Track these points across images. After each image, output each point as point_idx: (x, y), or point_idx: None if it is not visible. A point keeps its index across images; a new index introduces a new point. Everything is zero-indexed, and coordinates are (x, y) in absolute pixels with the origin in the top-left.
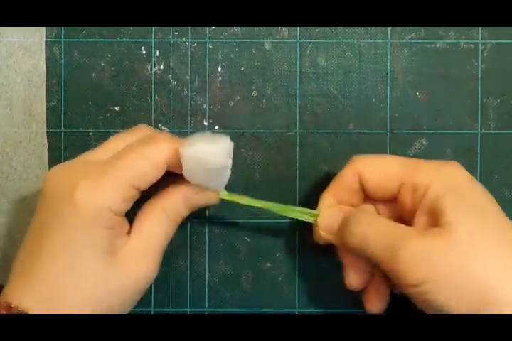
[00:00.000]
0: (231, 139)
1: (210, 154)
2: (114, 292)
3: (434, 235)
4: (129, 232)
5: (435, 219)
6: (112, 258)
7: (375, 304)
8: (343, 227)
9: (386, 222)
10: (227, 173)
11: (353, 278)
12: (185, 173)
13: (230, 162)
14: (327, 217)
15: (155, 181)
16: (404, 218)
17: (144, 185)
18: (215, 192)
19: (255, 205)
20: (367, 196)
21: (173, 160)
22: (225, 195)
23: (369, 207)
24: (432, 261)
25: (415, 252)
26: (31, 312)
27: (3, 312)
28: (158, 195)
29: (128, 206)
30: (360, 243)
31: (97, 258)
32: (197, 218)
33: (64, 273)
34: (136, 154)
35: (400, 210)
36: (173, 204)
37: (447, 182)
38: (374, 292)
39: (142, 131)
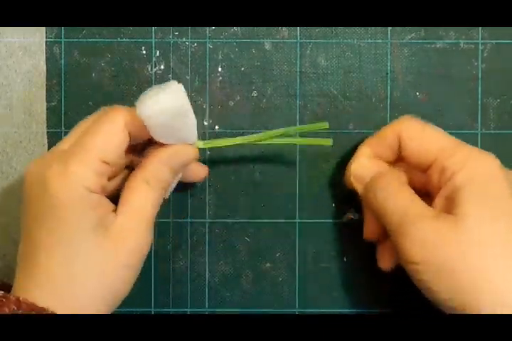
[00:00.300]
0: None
1: (164, 102)
2: (114, 273)
3: (444, 221)
4: (115, 209)
5: (452, 206)
6: (104, 238)
7: (386, 262)
8: (369, 186)
9: (409, 195)
10: (192, 120)
11: (370, 229)
12: (152, 134)
13: (188, 106)
14: (361, 166)
15: (123, 149)
16: (429, 191)
17: (113, 156)
18: (190, 145)
19: (238, 142)
20: (403, 157)
21: (135, 125)
22: (201, 144)
23: (399, 174)
24: (435, 245)
25: (423, 233)
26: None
27: (13, 306)
28: (138, 166)
29: (103, 181)
30: (380, 209)
31: (91, 245)
32: (197, 218)
33: (64, 268)
34: (94, 129)
35: (427, 182)
36: (153, 171)
37: (474, 173)
38: (387, 250)
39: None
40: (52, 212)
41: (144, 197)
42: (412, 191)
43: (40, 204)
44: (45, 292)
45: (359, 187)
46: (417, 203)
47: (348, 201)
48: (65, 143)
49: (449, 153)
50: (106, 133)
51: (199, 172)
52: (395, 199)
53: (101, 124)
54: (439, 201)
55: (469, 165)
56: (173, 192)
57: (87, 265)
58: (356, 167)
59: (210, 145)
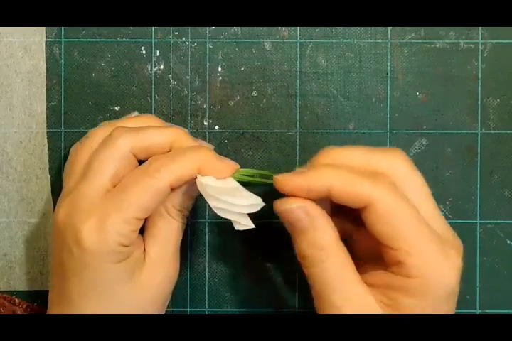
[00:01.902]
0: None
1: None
2: (147, 307)
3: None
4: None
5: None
6: (136, 278)
7: None
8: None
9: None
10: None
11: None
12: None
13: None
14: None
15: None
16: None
17: (149, 213)
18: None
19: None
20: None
21: (180, 181)
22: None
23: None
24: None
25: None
26: None
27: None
28: None
29: (137, 231)
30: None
31: (124, 288)
32: (197, 218)
33: (98, 309)
34: (138, 187)
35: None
36: (173, 202)
37: (431, 289)
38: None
39: (146, 120)
40: (85, 264)
41: (169, 229)
42: (352, 269)
43: (72, 254)
44: None
45: (288, 227)
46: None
47: None
48: (74, 176)
49: (409, 251)
50: (150, 197)
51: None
52: (334, 276)
53: (142, 181)
54: (377, 275)
55: (429, 280)
56: None
57: (120, 305)
58: (293, 209)
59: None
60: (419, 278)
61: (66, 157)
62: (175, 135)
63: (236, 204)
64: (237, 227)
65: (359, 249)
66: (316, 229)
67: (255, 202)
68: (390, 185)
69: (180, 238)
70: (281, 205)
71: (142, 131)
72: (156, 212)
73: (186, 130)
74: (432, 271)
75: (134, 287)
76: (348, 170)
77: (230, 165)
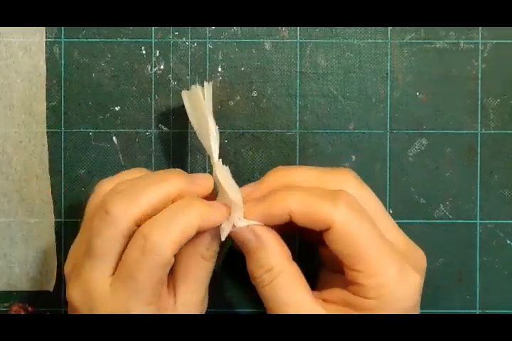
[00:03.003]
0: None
1: None
2: None
3: None
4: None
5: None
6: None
7: None
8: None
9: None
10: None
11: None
12: None
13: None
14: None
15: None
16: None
17: (163, 283)
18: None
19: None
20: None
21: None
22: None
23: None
24: None
25: None
26: None
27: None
28: (189, 241)
29: (159, 296)
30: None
31: None
32: None
33: None
34: (145, 271)
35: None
36: (206, 245)
37: (388, 307)
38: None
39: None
40: None
41: (203, 272)
42: (303, 287)
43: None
44: None
45: (239, 243)
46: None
47: None
48: (81, 244)
49: (368, 272)
50: (155, 273)
51: None
52: (285, 296)
53: (145, 263)
54: (335, 292)
55: (387, 300)
56: None
57: None
58: (242, 229)
59: None
60: (375, 299)
61: (66, 157)
62: (172, 188)
63: None
64: None
65: (326, 260)
66: (263, 250)
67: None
68: (350, 204)
69: (209, 279)
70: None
71: (139, 198)
72: (190, 257)
73: (181, 171)
74: (390, 293)
75: None
76: (307, 192)
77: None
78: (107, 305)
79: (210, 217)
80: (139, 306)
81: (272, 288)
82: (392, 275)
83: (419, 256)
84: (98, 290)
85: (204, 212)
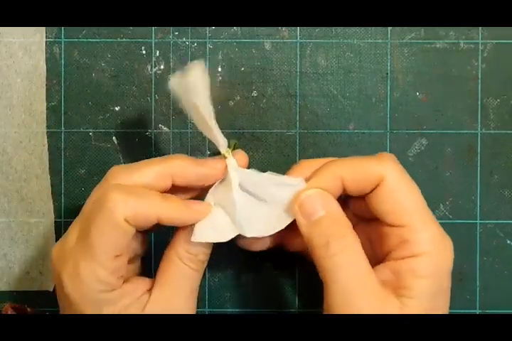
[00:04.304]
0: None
1: None
2: None
3: (391, 307)
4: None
5: (401, 284)
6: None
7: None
8: (323, 233)
9: (367, 266)
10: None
11: (293, 245)
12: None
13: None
14: (313, 198)
15: (129, 238)
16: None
17: (120, 251)
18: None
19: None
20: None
21: (137, 213)
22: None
23: (357, 238)
24: None
25: (365, 308)
26: None
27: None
28: (172, 239)
29: (120, 271)
30: (327, 263)
31: None
32: None
33: None
34: (93, 223)
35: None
36: (183, 245)
37: (436, 267)
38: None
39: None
40: (71, 308)
41: (180, 276)
42: (368, 262)
43: (61, 295)
44: None
45: (302, 221)
46: (371, 278)
47: (346, 200)
48: (75, 229)
49: (415, 227)
50: (104, 230)
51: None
52: (352, 266)
53: (98, 219)
54: (385, 270)
55: (434, 256)
56: None
57: None
58: (307, 197)
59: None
60: (425, 254)
61: (66, 157)
62: (174, 168)
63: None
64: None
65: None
66: (333, 219)
67: (296, 183)
68: (396, 163)
69: (195, 287)
70: (300, 194)
71: (137, 193)
72: (166, 257)
73: (184, 156)
74: (437, 247)
75: None
76: (352, 159)
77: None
78: (69, 262)
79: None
80: (89, 266)
81: (340, 259)
82: (435, 229)
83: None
84: (70, 236)
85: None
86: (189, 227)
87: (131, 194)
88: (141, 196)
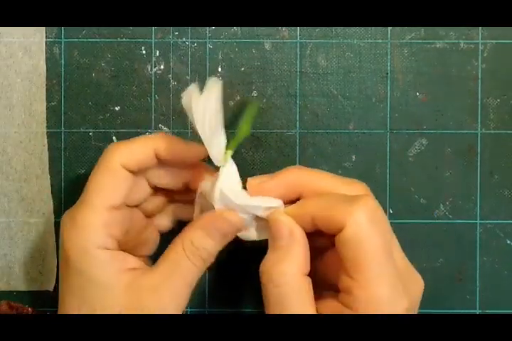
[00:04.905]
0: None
1: None
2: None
3: None
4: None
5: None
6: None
7: None
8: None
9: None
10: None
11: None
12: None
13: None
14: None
15: (125, 189)
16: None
17: (115, 200)
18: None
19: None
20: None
21: (133, 161)
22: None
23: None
24: None
25: None
26: None
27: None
28: (184, 228)
29: (115, 231)
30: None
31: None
32: None
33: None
34: (94, 173)
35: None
36: (191, 235)
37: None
38: None
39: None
40: (67, 265)
41: (178, 265)
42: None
43: (62, 252)
44: None
45: (270, 239)
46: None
47: None
48: None
49: (364, 281)
50: (100, 178)
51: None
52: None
53: (96, 168)
54: (329, 302)
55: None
56: None
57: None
58: (280, 221)
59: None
60: (359, 311)
61: (66, 157)
62: (156, 141)
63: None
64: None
65: (321, 276)
66: (290, 252)
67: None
68: (369, 210)
69: (188, 282)
70: (274, 213)
71: (129, 143)
72: (171, 244)
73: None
74: (375, 310)
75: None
76: (329, 196)
77: (195, 150)
78: (68, 215)
79: (173, 148)
80: (84, 212)
81: (282, 292)
82: (383, 293)
83: (416, 281)
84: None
85: (167, 141)
86: (200, 220)
87: (127, 141)
88: (137, 138)
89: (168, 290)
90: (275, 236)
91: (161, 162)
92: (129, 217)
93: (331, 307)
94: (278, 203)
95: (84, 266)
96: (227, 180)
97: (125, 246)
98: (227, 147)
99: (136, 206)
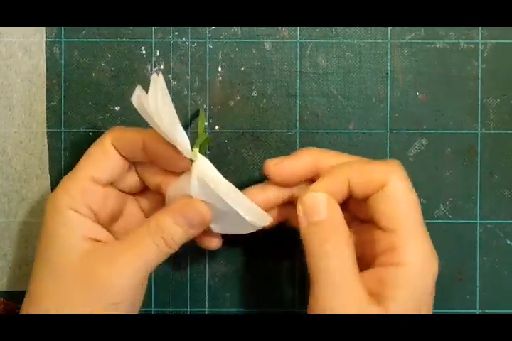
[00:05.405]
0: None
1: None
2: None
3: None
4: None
5: (383, 294)
6: (89, 266)
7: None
8: (321, 230)
9: (353, 264)
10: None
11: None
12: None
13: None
14: (316, 200)
15: (112, 166)
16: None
17: (105, 173)
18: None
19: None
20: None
21: (123, 140)
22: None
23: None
24: None
25: (346, 310)
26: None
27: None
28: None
29: (92, 201)
30: (320, 258)
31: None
32: None
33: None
34: (88, 151)
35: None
36: (158, 220)
37: (415, 273)
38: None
39: None
40: (47, 240)
41: (138, 241)
42: (357, 269)
43: (41, 232)
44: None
45: (303, 219)
46: (357, 285)
47: (347, 200)
48: None
49: (405, 234)
50: (91, 152)
51: (211, 242)
52: (340, 270)
53: (91, 146)
54: (371, 277)
55: (418, 268)
56: None
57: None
58: (313, 198)
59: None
60: (409, 265)
61: (66, 157)
62: (148, 134)
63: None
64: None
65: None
66: (334, 222)
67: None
68: (402, 171)
69: (149, 263)
70: (307, 195)
71: (124, 129)
72: (140, 225)
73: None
74: (421, 260)
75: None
76: (360, 162)
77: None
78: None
79: (157, 136)
80: (65, 181)
81: (331, 262)
82: (423, 245)
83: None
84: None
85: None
86: (171, 205)
87: (124, 127)
88: (133, 127)
89: (123, 262)
90: (311, 213)
91: (149, 157)
92: (114, 197)
93: (374, 276)
94: (264, 220)
95: (52, 224)
96: (205, 170)
97: (103, 222)
98: (192, 146)
99: (125, 192)
